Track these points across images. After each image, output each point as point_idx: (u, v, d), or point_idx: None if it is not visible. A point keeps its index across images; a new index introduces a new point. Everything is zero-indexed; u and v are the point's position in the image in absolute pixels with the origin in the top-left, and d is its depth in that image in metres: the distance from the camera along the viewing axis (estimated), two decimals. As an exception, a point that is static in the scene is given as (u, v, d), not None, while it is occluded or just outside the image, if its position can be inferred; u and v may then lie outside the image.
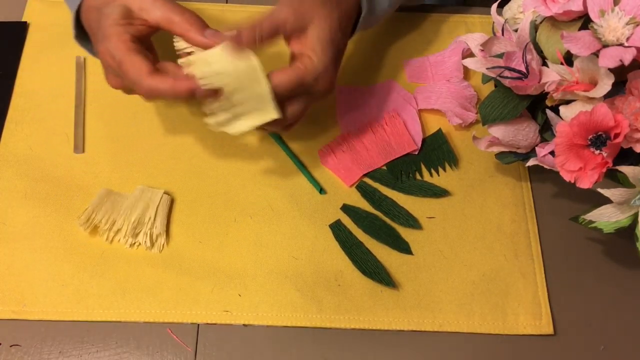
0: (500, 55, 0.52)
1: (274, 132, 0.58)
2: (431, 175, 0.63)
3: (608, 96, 0.47)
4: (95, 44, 0.54)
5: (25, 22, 0.68)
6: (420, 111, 0.66)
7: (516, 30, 0.52)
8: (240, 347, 0.54)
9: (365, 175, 0.62)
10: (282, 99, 0.52)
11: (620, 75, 0.47)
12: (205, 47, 0.52)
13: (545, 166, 0.54)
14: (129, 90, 0.54)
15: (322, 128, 0.64)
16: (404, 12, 0.71)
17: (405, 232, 0.59)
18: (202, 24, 0.53)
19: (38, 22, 0.68)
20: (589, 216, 0.52)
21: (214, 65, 0.51)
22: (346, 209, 0.60)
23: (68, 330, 0.53)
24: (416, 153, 0.63)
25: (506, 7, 0.58)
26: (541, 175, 0.63)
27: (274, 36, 0.52)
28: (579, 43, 0.46)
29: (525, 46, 0.50)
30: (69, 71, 0.66)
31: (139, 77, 0.49)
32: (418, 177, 0.62)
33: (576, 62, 0.48)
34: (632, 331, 0.56)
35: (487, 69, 0.53)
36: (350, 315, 0.55)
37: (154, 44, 0.56)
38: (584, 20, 0.49)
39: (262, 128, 0.54)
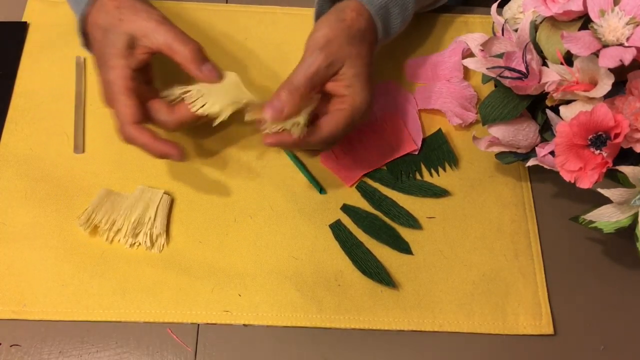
0: (500, 55, 0.52)
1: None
2: (431, 175, 0.63)
3: (608, 96, 0.47)
4: (96, 66, 0.55)
5: (25, 22, 0.68)
6: (420, 111, 0.66)
7: (516, 30, 0.52)
8: (240, 347, 0.54)
9: (365, 175, 0.62)
10: (337, 140, 0.55)
11: (620, 75, 0.47)
12: (201, 80, 0.54)
13: (545, 166, 0.54)
14: None
15: (322, 128, 0.64)
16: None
17: (405, 232, 0.59)
18: (203, 56, 0.54)
19: (38, 22, 0.68)
20: (589, 216, 0.52)
21: (216, 105, 0.54)
22: (346, 209, 0.60)
23: (68, 330, 0.53)
24: (416, 153, 0.63)
25: (506, 7, 0.58)
26: (541, 175, 0.63)
27: (312, 90, 0.53)
28: (579, 43, 0.46)
29: (525, 46, 0.50)
30: (69, 71, 0.66)
31: (123, 121, 0.52)
32: (418, 177, 0.62)
33: (576, 62, 0.48)
34: (632, 331, 0.56)
35: (487, 69, 0.53)
36: (350, 315, 0.55)
37: (152, 69, 0.57)
38: (584, 20, 0.49)
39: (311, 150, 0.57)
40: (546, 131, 0.55)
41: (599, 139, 0.47)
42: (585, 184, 0.48)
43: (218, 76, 0.54)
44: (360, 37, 0.55)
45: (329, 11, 0.57)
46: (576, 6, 0.47)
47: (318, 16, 0.60)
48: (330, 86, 0.54)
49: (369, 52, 0.55)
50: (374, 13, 0.57)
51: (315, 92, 0.54)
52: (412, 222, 0.60)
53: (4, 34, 0.67)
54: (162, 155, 0.53)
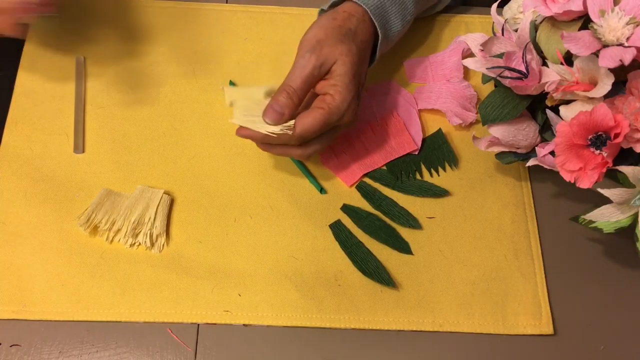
0: (500, 55, 0.52)
1: (291, 157, 0.60)
2: (431, 175, 0.63)
3: (608, 96, 0.47)
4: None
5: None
6: (420, 111, 0.66)
7: (516, 30, 0.52)
8: (240, 347, 0.54)
9: (365, 175, 0.62)
10: (309, 139, 0.54)
11: (620, 75, 0.47)
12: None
13: (545, 166, 0.54)
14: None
15: (322, 128, 0.64)
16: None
17: (405, 232, 0.59)
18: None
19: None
20: (589, 216, 0.52)
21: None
22: (346, 209, 0.60)
23: (68, 330, 0.53)
24: (416, 153, 0.63)
25: (506, 7, 0.58)
26: (541, 175, 0.63)
27: (308, 91, 0.54)
28: (579, 43, 0.46)
29: (525, 46, 0.50)
30: (69, 71, 0.66)
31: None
32: (418, 177, 0.62)
33: (576, 62, 0.48)
34: (632, 331, 0.56)
35: (487, 69, 0.53)
36: (350, 315, 0.55)
37: None
38: (584, 20, 0.49)
39: (280, 152, 0.56)
40: (546, 131, 0.55)
41: (599, 139, 0.47)
42: (585, 184, 0.48)
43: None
44: (351, 35, 0.55)
45: (324, 13, 0.58)
46: (576, 6, 0.47)
47: None
48: (318, 85, 0.55)
49: (358, 51, 0.55)
50: (371, 12, 0.57)
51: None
52: (412, 222, 0.60)
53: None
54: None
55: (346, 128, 0.58)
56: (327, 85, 0.54)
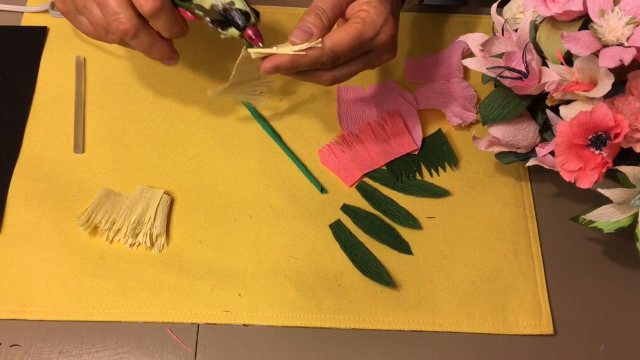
0: (500, 55, 0.52)
1: (317, 82, 0.53)
2: (431, 175, 0.63)
3: (608, 96, 0.47)
4: None
5: (46, 27, 0.68)
6: (420, 111, 0.66)
7: (516, 30, 0.52)
8: (240, 347, 0.54)
9: (365, 175, 0.62)
10: (342, 60, 0.49)
11: (620, 75, 0.47)
12: None
13: (545, 166, 0.54)
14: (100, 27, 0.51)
15: (322, 128, 0.64)
16: (405, 11, 0.71)
17: (405, 232, 0.59)
18: None
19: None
20: (589, 216, 0.52)
21: None
22: (346, 209, 0.60)
23: (68, 330, 0.53)
24: (416, 153, 0.63)
25: (506, 7, 0.58)
26: (541, 175, 0.63)
27: (339, 14, 0.50)
28: (579, 43, 0.46)
29: (525, 46, 0.50)
30: (69, 71, 0.66)
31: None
32: (418, 177, 0.62)
33: (576, 62, 0.48)
34: (632, 331, 0.56)
35: (487, 69, 0.53)
36: (350, 315, 0.55)
37: None
38: (584, 20, 0.49)
39: (306, 76, 0.51)
40: (546, 131, 0.55)
41: (599, 139, 0.47)
42: (585, 184, 0.48)
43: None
44: None
45: None
46: (576, 6, 0.47)
47: None
48: (348, 8, 0.51)
49: None
50: None
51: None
52: (412, 222, 0.60)
53: (24, 38, 0.67)
54: (165, 55, 0.53)
55: (384, 62, 0.53)
56: (359, 4, 0.49)
